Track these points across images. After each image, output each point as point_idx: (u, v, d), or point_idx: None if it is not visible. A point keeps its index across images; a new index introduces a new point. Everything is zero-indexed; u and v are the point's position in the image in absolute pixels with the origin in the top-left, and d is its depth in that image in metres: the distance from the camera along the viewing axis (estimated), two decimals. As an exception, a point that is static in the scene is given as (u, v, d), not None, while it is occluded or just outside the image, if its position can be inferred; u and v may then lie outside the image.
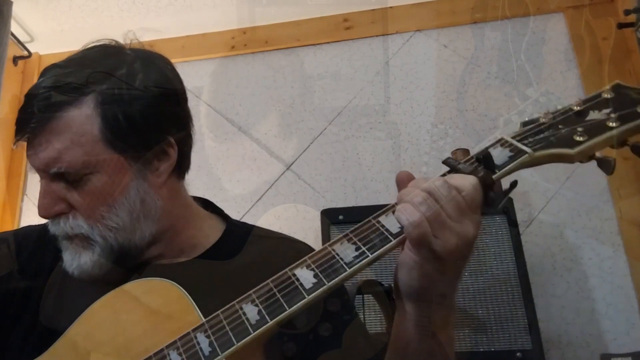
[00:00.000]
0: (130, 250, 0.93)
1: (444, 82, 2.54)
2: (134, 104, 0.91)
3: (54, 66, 0.92)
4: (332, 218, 2.08)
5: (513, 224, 1.96)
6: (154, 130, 0.93)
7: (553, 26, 2.51)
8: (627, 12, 2.02)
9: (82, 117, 0.88)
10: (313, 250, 1.04)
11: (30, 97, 0.89)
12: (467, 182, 0.72)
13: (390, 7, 2.67)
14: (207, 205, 1.10)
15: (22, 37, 2.83)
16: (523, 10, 2.38)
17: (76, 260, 0.90)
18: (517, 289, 1.86)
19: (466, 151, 1.91)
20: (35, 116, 0.87)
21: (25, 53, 2.88)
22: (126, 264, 0.93)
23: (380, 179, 2.44)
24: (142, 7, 2.67)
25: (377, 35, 2.68)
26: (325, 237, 2.04)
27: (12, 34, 2.64)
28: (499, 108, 2.41)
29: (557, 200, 2.24)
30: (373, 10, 2.71)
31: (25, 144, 0.90)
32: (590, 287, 2.12)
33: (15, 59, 2.87)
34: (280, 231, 1.11)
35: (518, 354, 1.77)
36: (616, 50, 2.34)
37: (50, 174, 0.88)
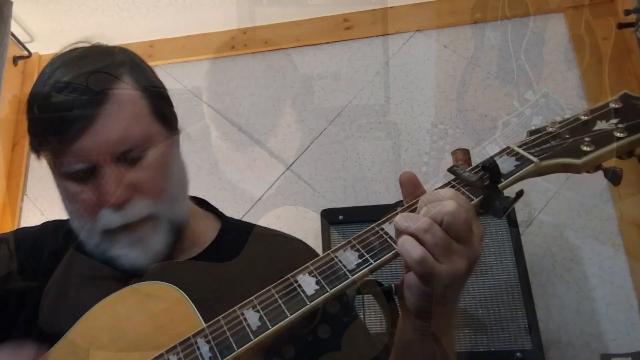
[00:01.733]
0: (182, 225, 0.95)
1: (444, 82, 2.54)
2: (157, 82, 0.95)
3: (74, 58, 0.91)
4: (332, 218, 2.08)
5: (513, 224, 1.96)
6: (173, 110, 0.98)
7: (553, 26, 2.50)
8: (627, 12, 2.02)
9: (131, 94, 0.89)
10: (308, 247, 1.05)
11: (69, 87, 0.86)
12: (458, 204, 0.69)
13: (390, 7, 2.67)
14: (201, 203, 1.10)
15: (22, 37, 2.83)
16: (523, 10, 2.38)
17: (144, 247, 0.89)
18: (517, 289, 1.85)
19: (466, 151, 1.91)
20: (90, 102, 0.85)
21: (25, 53, 2.87)
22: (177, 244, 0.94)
23: (380, 179, 2.44)
24: (142, 7, 2.66)
25: (377, 35, 2.68)
26: (325, 237, 2.04)
27: (12, 34, 2.63)
28: (499, 108, 2.41)
29: (557, 200, 2.23)
30: (373, 10, 2.70)
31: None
32: (590, 287, 2.12)
33: (15, 59, 2.87)
34: (279, 231, 1.11)
35: (518, 354, 1.77)
36: (616, 50, 2.33)
37: (115, 157, 0.86)
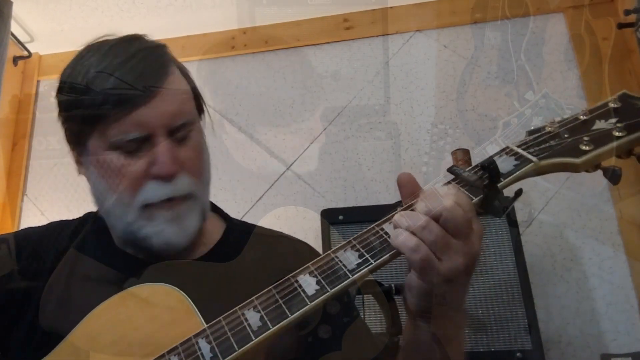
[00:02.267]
0: (206, 213, 0.97)
1: (444, 82, 2.54)
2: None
3: (133, 38, 0.95)
4: (332, 218, 2.08)
5: (513, 224, 1.95)
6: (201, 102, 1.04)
7: (553, 26, 2.50)
8: (627, 12, 2.02)
9: (179, 74, 0.95)
10: (311, 248, 1.06)
11: (135, 57, 0.89)
12: (455, 201, 0.70)
13: (390, 7, 2.67)
14: None
15: (22, 37, 2.83)
16: (523, 10, 2.38)
17: (181, 224, 0.90)
18: (517, 289, 1.85)
19: (466, 151, 1.91)
20: (153, 77, 0.89)
21: (25, 53, 2.87)
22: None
23: (380, 179, 2.44)
24: (142, 7, 2.66)
25: (377, 35, 2.68)
26: (325, 237, 2.04)
27: (12, 34, 2.63)
28: (499, 108, 2.41)
29: (557, 200, 2.23)
30: (373, 10, 2.70)
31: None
32: (590, 287, 2.12)
33: (15, 59, 2.87)
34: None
35: (518, 354, 1.77)
36: (616, 50, 2.33)
37: (170, 130, 0.89)
